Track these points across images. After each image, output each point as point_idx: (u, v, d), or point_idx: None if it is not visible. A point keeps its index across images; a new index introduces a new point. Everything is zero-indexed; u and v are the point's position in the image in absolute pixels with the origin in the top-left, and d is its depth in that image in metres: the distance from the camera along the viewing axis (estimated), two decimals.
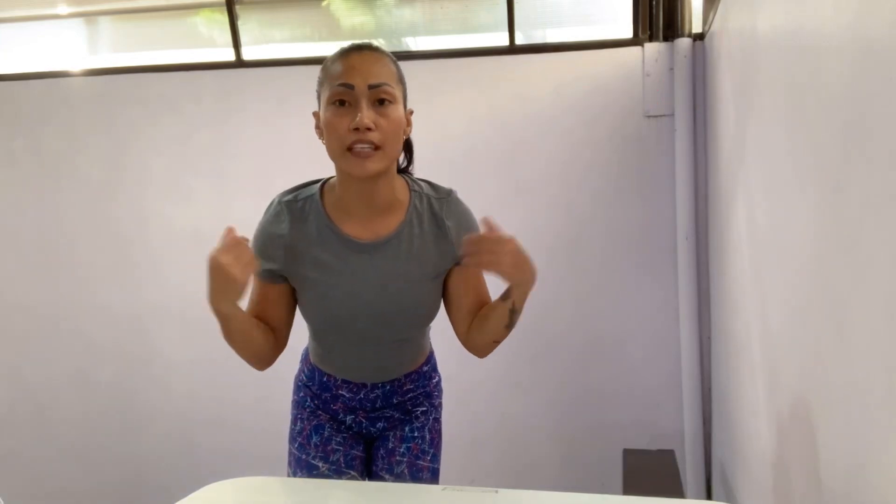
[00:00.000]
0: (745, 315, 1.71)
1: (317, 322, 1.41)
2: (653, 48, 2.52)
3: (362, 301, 1.34)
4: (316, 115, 1.32)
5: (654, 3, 2.54)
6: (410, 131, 1.35)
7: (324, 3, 2.87)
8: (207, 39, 2.94)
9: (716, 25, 2.21)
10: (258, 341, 1.34)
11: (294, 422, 1.54)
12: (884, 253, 0.74)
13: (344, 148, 1.23)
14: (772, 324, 1.38)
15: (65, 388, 2.98)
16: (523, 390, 2.68)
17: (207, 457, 2.87)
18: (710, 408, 2.53)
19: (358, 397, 1.49)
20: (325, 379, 1.49)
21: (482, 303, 1.40)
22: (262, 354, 1.36)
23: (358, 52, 1.26)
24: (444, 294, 1.42)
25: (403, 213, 1.34)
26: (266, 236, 1.35)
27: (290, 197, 1.37)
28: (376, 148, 1.23)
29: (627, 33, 2.60)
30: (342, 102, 1.24)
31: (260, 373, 3.00)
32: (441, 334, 1.55)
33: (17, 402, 3.02)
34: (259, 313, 1.37)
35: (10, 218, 2.97)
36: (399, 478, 1.49)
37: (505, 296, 1.30)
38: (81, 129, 2.90)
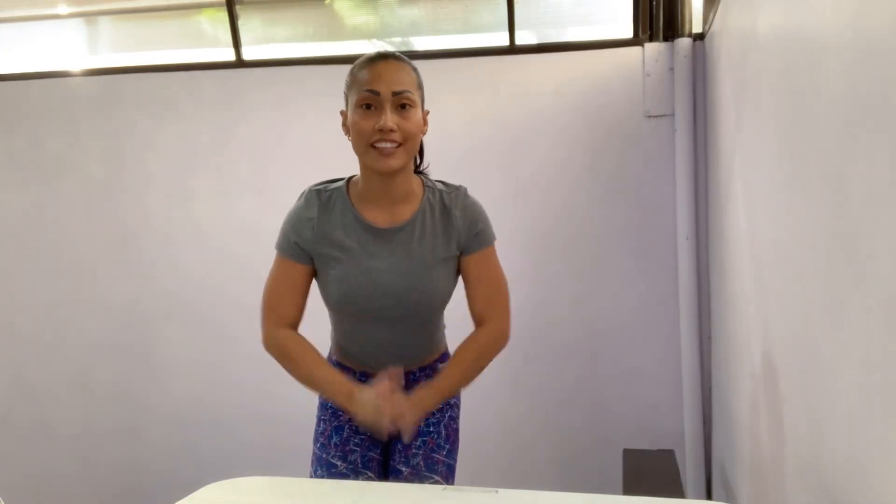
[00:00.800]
0: (745, 315, 1.71)
1: (337, 302, 1.50)
2: (653, 48, 2.52)
3: (379, 280, 1.46)
4: (343, 114, 1.47)
5: (654, 3, 2.54)
6: (427, 130, 1.49)
7: (326, 2, 2.87)
8: (210, 38, 2.94)
9: (716, 25, 2.21)
10: None
11: (318, 423, 1.63)
12: (884, 252, 0.74)
13: (368, 145, 1.39)
14: (772, 324, 1.38)
15: (65, 388, 2.98)
16: (523, 390, 2.68)
17: (207, 457, 2.87)
18: (710, 408, 2.53)
19: None
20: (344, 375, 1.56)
21: (486, 291, 1.53)
22: None
23: (384, 60, 1.42)
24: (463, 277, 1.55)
25: (418, 204, 1.50)
26: (297, 219, 1.50)
27: (319, 187, 1.53)
28: (398, 146, 1.39)
29: (627, 33, 2.60)
30: (368, 106, 1.39)
31: (260, 374, 2.98)
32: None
33: (17, 401, 3.02)
34: (281, 292, 1.51)
35: (9, 218, 2.97)
36: (415, 469, 1.54)
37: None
38: (82, 129, 2.90)
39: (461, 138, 2.63)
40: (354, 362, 1.58)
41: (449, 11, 2.81)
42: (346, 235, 1.47)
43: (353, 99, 1.42)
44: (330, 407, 1.61)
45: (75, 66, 2.95)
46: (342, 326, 1.58)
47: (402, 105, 1.39)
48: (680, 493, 2.09)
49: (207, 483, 1.35)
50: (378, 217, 1.48)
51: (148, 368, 2.91)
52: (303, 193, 1.53)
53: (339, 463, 1.55)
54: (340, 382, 1.47)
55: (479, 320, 1.55)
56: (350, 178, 1.53)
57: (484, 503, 1.24)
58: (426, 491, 1.38)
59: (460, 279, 1.56)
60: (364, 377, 1.56)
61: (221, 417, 2.87)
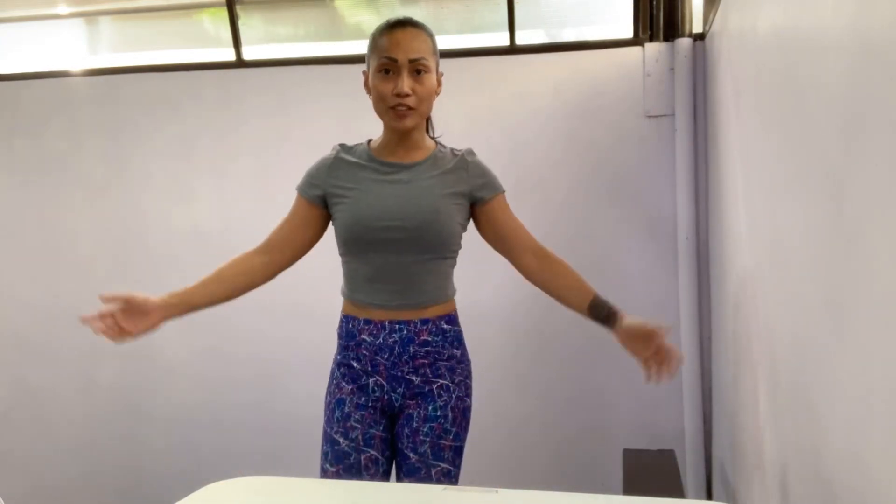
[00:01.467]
0: (746, 315, 1.71)
1: (348, 228, 1.61)
2: (653, 48, 2.52)
3: (387, 202, 1.59)
4: (365, 74, 1.63)
5: (654, 3, 2.54)
6: (440, 91, 1.63)
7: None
8: (211, 38, 2.94)
9: (716, 25, 2.21)
10: (237, 287, 1.65)
11: (326, 394, 1.70)
12: (884, 252, 0.74)
13: (387, 107, 1.57)
14: (772, 323, 1.38)
15: (65, 388, 2.98)
16: (523, 391, 2.68)
17: (207, 457, 2.87)
18: (710, 408, 2.53)
19: (378, 341, 1.62)
20: (350, 326, 1.65)
21: (522, 226, 1.74)
22: (251, 286, 1.66)
23: (401, 28, 1.57)
24: (488, 232, 1.71)
25: (430, 152, 1.67)
26: (317, 164, 1.69)
27: (343, 143, 1.71)
28: (413, 109, 1.55)
29: (628, 33, 2.60)
30: (387, 71, 1.55)
31: (261, 374, 2.97)
32: None
33: (17, 401, 3.02)
34: (281, 222, 1.68)
35: (10, 218, 2.97)
36: (423, 457, 1.60)
37: (606, 318, 1.73)
38: (82, 129, 2.90)
39: (461, 138, 2.61)
40: (361, 308, 1.64)
41: (450, 11, 2.81)
42: (362, 170, 1.63)
43: (373, 63, 1.57)
44: (335, 378, 1.67)
45: (75, 66, 2.95)
46: (352, 266, 1.65)
47: (418, 71, 1.54)
48: (680, 493, 2.09)
49: (208, 483, 1.35)
50: (392, 157, 1.64)
51: (148, 368, 2.91)
52: None
53: (341, 440, 1.61)
54: (178, 292, 1.60)
55: (536, 251, 1.74)
56: (371, 139, 1.71)
57: (484, 503, 1.24)
58: (426, 491, 1.38)
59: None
60: (368, 324, 1.62)
61: (221, 417, 2.87)
